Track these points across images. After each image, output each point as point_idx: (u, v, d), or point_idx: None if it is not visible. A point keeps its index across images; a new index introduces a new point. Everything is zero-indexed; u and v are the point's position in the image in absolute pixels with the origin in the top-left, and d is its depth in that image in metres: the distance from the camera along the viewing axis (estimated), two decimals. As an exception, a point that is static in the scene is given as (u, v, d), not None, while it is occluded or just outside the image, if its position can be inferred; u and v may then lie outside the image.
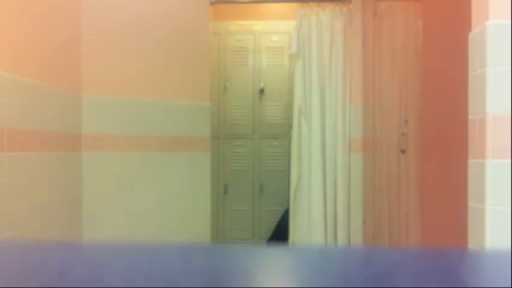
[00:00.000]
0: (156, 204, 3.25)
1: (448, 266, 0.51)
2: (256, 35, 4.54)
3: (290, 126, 3.95)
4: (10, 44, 2.15)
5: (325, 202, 3.71)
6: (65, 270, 0.50)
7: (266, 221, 4.53)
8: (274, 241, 4.22)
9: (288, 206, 3.84)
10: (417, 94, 3.33)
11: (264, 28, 4.53)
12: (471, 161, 1.55)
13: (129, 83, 3.12)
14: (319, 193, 3.70)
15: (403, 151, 3.58)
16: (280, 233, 4.13)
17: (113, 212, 3.03)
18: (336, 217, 3.71)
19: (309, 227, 3.72)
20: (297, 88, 3.74)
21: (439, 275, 0.47)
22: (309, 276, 0.46)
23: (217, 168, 4.36)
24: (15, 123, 2.17)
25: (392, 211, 3.71)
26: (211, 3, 3.76)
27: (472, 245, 1.53)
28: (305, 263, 0.52)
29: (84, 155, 2.91)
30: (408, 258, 0.58)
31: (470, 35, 1.56)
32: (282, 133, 4.47)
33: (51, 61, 2.55)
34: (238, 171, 4.55)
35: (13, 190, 2.14)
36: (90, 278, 0.46)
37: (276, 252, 0.59)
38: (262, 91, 4.51)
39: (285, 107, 4.40)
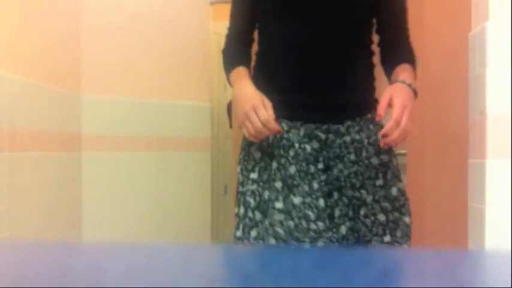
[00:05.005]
0: (156, 205, 3.25)
1: (448, 266, 0.51)
2: (256, 35, 4.53)
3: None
4: (9, 43, 2.15)
5: (325, 202, 3.71)
6: (65, 270, 0.50)
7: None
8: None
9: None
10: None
11: (264, 28, 4.52)
12: (471, 161, 1.55)
13: (129, 83, 3.12)
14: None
15: None
16: None
17: (113, 212, 3.03)
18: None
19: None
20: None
21: (439, 275, 0.47)
22: (309, 276, 0.46)
23: (217, 168, 4.36)
24: (15, 123, 2.17)
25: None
26: (211, 3, 3.76)
27: (472, 245, 1.53)
28: (305, 263, 0.52)
29: (84, 155, 2.91)
30: (408, 258, 0.58)
31: (470, 35, 1.56)
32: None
33: (51, 61, 2.55)
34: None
35: (13, 190, 2.14)
36: (90, 278, 0.46)
37: (276, 252, 0.59)
38: (262, 91, 4.50)
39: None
